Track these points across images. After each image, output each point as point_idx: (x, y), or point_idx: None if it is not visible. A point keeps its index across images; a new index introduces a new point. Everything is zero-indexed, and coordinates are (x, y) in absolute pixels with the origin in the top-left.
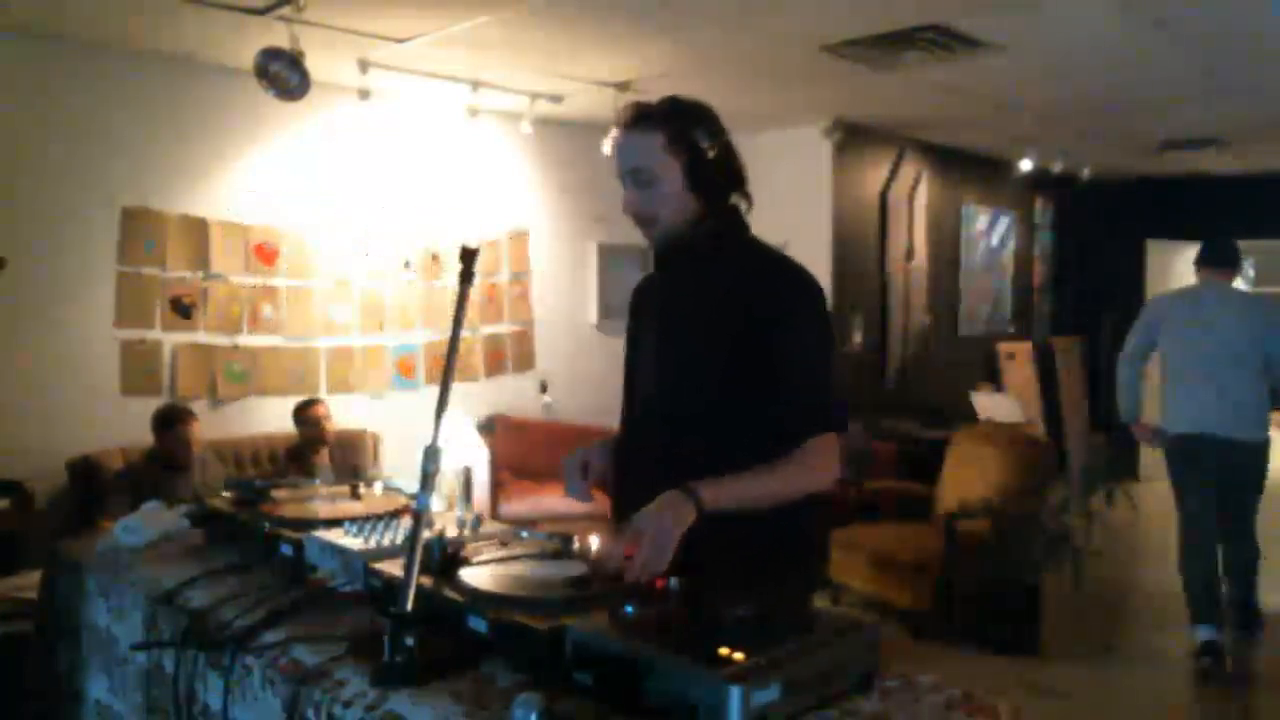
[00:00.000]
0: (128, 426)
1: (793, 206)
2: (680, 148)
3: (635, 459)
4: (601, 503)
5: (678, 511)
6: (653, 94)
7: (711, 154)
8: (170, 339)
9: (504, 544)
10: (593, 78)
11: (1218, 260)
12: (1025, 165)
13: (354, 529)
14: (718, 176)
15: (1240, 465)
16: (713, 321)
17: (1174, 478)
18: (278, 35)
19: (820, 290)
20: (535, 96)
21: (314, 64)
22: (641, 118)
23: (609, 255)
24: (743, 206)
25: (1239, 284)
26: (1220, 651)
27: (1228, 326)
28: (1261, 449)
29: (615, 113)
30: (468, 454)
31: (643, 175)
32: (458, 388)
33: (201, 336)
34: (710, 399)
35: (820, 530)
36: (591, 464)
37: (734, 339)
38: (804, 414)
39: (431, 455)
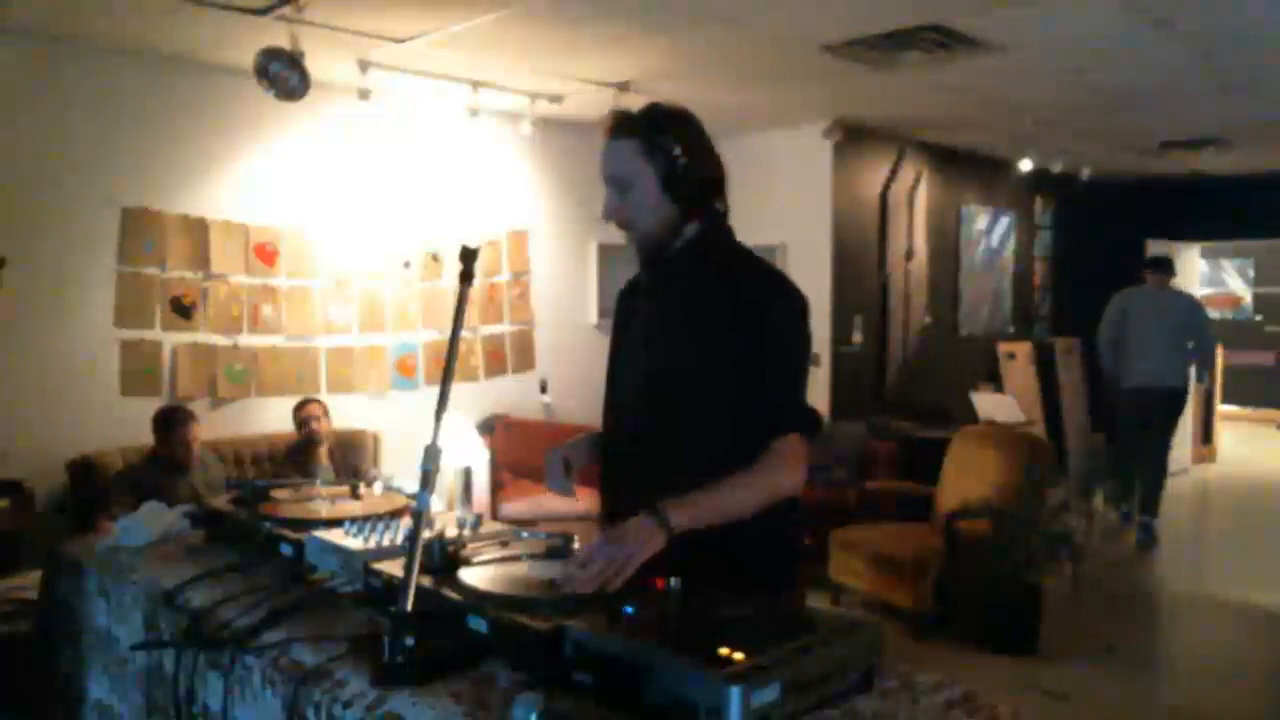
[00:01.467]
0: (128, 426)
1: (793, 206)
2: (654, 154)
3: (620, 457)
4: (590, 500)
5: (644, 540)
6: (653, 94)
7: (684, 160)
8: (170, 339)
9: (504, 544)
10: (593, 78)
11: (1167, 269)
12: (1025, 165)
13: (354, 529)
14: (692, 183)
15: (1172, 405)
16: (699, 323)
17: (1123, 416)
18: (278, 35)
19: (803, 297)
20: (535, 96)
21: (314, 64)
22: (619, 125)
23: (609, 255)
24: (724, 209)
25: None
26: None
27: (1171, 316)
28: (1186, 392)
29: (600, 120)
30: (468, 454)
31: (619, 181)
32: (458, 388)
33: (201, 336)
34: (696, 398)
35: (795, 530)
36: (574, 461)
37: (720, 340)
38: (776, 413)
39: (431, 455)
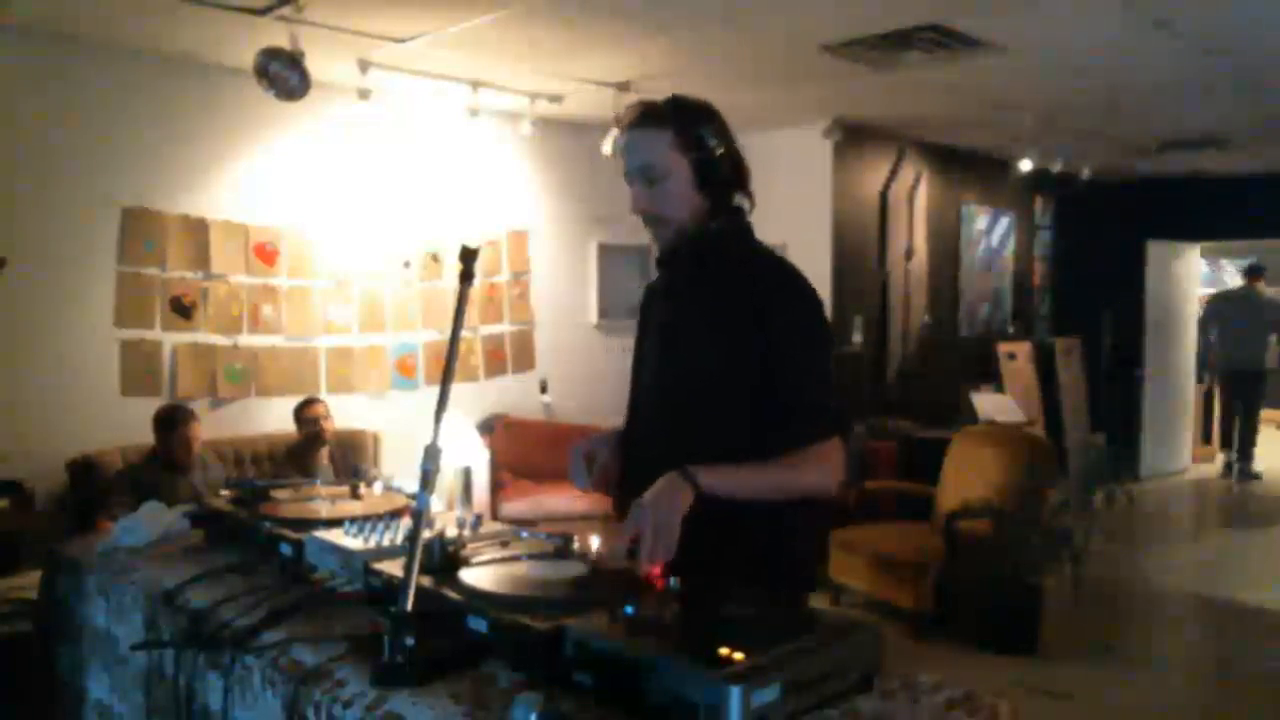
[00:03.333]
0: (128, 426)
1: (793, 206)
2: (688, 145)
3: (640, 457)
4: (602, 502)
5: (675, 497)
6: (652, 94)
7: (719, 152)
8: (170, 339)
9: (504, 544)
10: (593, 78)
11: (1257, 273)
12: (1025, 165)
13: (354, 529)
14: (724, 175)
15: (1257, 383)
16: (716, 324)
17: (1222, 392)
18: (278, 35)
19: (816, 296)
20: (535, 96)
21: (314, 64)
22: (648, 115)
23: (609, 255)
24: (746, 207)
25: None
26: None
27: (1255, 313)
28: (1268, 373)
29: (619, 113)
30: (468, 454)
31: (651, 172)
32: (458, 388)
33: (201, 336)
34: (713, 401)
35: (812, 533)
36: (598, 456)
37: (738, 342)
38: (809, 418)
39: (431, 455)
